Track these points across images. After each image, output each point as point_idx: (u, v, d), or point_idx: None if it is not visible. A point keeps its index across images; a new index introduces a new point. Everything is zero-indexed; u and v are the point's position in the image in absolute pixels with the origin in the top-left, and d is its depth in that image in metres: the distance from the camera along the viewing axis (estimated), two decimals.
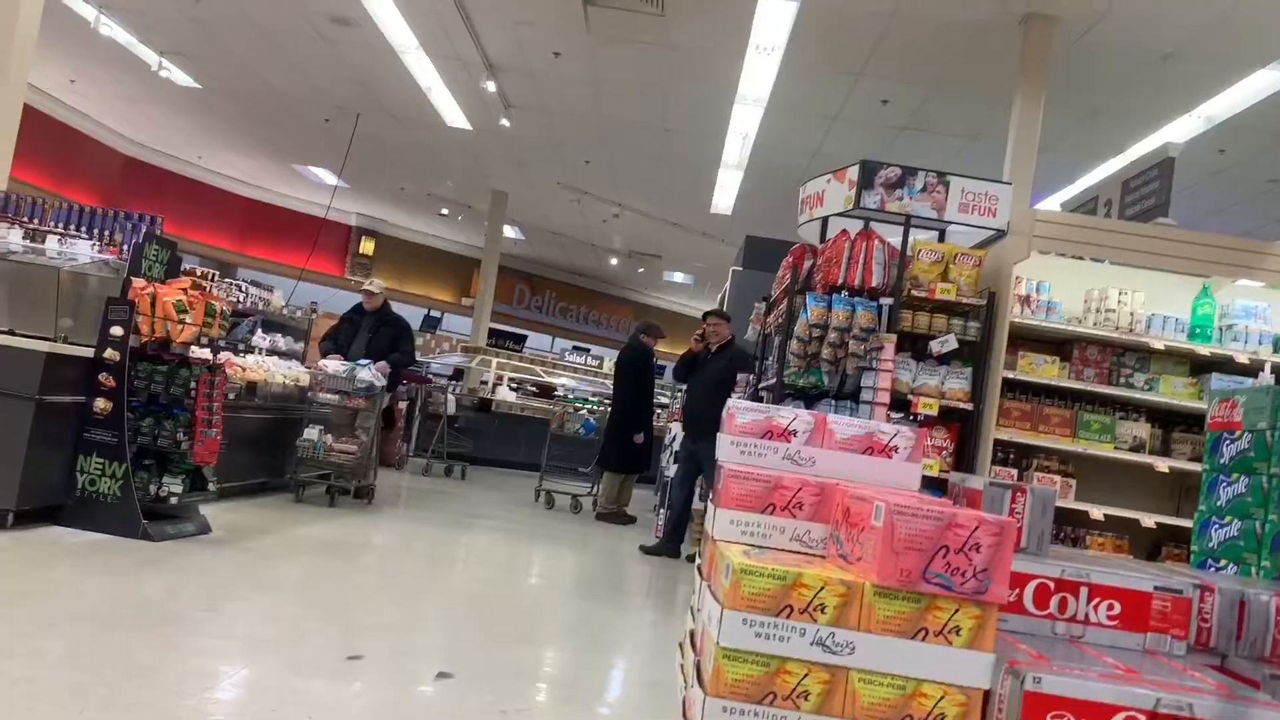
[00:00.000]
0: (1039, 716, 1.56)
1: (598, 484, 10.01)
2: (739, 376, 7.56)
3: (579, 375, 18.72)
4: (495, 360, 16.99)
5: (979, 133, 10.00)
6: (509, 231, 18.90)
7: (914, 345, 5.68)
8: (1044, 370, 5.75)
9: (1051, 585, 1.93)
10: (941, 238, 6.00)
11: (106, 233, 5.81)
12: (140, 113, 15.00)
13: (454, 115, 12.13)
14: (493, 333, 18.98)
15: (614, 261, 21.46)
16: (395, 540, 6.87)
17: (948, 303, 5.61)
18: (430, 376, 14.46)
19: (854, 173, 5.76)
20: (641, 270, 22.06)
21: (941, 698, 1.68)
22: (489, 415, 14.18)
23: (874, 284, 5.55)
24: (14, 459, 4.94)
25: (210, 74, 12.32)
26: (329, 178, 16.60)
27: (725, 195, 13.79)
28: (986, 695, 1.69)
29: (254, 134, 15.27)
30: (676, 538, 7.81)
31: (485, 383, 16.33)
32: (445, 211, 18.96)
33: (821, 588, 1.71)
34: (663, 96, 10.59)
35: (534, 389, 16.45)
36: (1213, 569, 3.06)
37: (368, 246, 20.99)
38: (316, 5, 9.38)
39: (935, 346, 5.64)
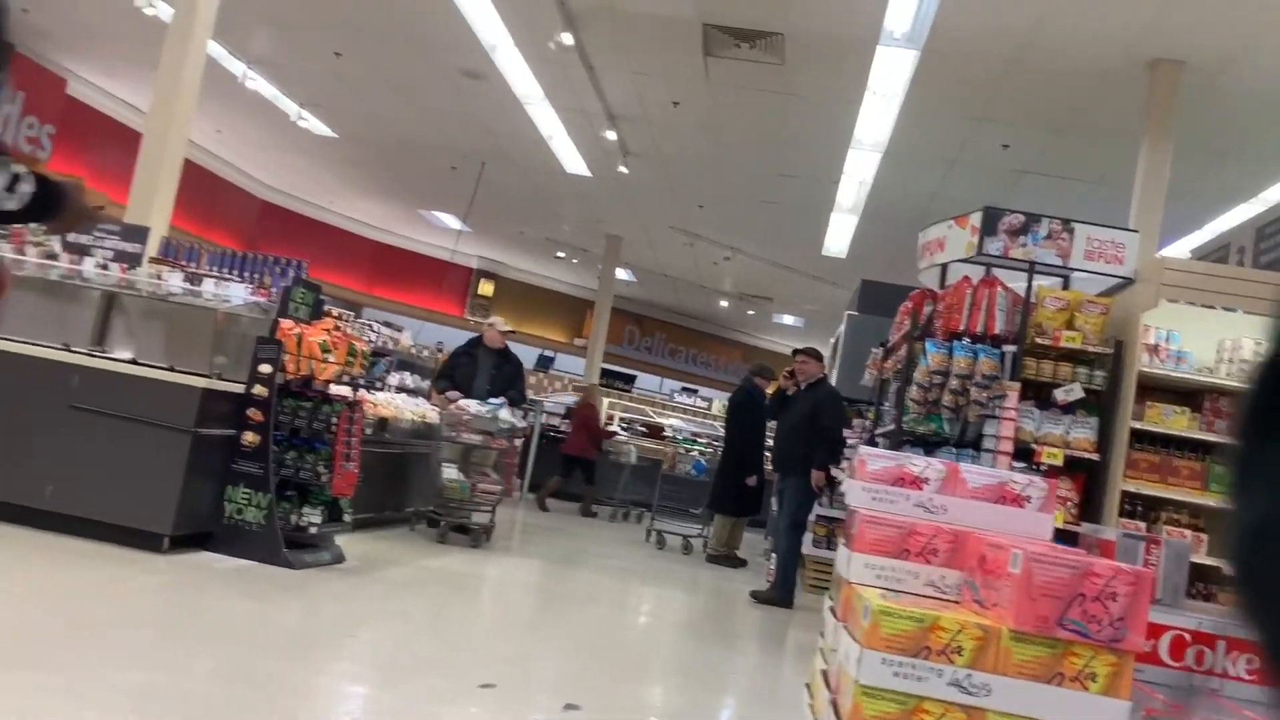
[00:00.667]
0: None
1: (708, 526, 10.06)
2: (857, 423, 7.54)
3: (688, 416, 18.85)
4: (606, 400, 17.23)
5: (1103, 177, 9.83)
6: (622, 274, 19.22)
7: (1038, 394, 5.63)
8: (1173, 421, 5.61)
9: (1188, 637, 1.95)
10: (1066, 285, 5.95)
11: (256, 276, 6.20)
12: (278, 161, 15.84)
13: (573, 162, 12.49)
14: (603, 373, 19.27)
15: (724, 304, 21.58)
16: (513, 575, 7.06)
17: (1073, 351, 5.55)
18: (608, 428, 14.28)
19: (976, 219, 5.77)
20: (751, 312, 22.12)
21: None
22: (599, 453, 14.37)
23: (996, 331, 5.54)
24: (171, 488, 5.29)
25: (345, 124, 12.97)
26: (453, 222, 17.20)
27: (839, 238, 13.80)
28: None
29: (383, 180, 15.96)
30: (788, 586, 7.47)
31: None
32: (561, 254, 19.40)
33: (959, 631, 1.77)
34: (778, 142, 10.72)
35: (643, 429, 16.62)
36: None
37: (487, 288, 21.58)
38: (450, 60, 9.83)
39: (1060, 395, 5.58)
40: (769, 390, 9.62)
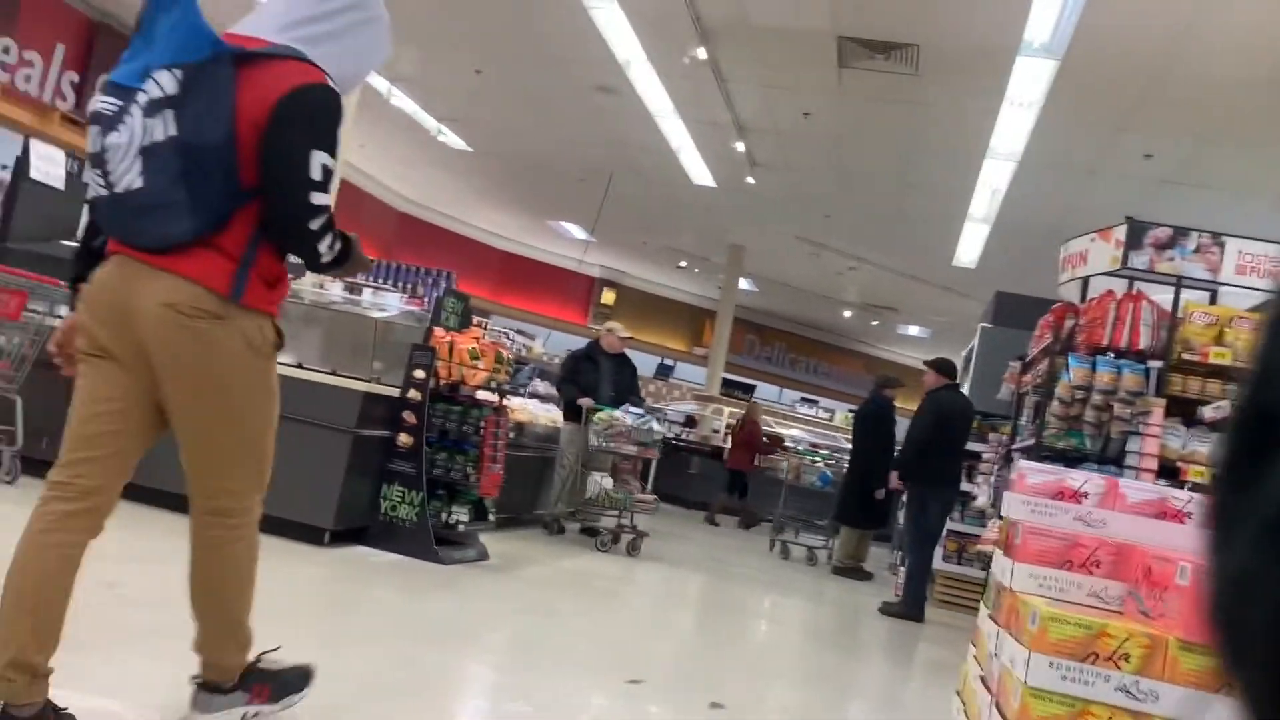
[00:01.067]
0: None
1: (834, 538, 10.07)
2: (991, 437, 7.46)
3: (808, 427, 18.78)
4: (727, 409, 17.33)
5: (1251, 187, 9.48)
6: (743, 283, 19.31)
7: (1184, 411, 5.51)
8: None
9: None
10: (1213, 299, 5.81)
11: (409, 285, 6.55)
12: (416, 173, 16.48)
13: (700, 174, 12.66)
14: (723, 382, 19.36)
15: (847, 314, 21.43)
16: (647, 578, 7.24)
17: (1222, 367, 5.42)
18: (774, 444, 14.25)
19: (1121, 232, 5.70)
20: (876, 323, 21.91)
21: None
22: (720, 462, 14.49)
23: (1141, 346, 5.46)
24: (333, 485, 5.64)
25: (481, 138, 13.44)
26: (578, 232, 17.58)
27: (970, 249, 13.60)
28: None
29: (514, 192, 16.44)
30: (919, 599, 7.39)
31: (717, 431, 16.67)
32: (684, 264, 19.60)
33: (1127, 639, 1.85)
34: (909, 151, 10.67)
35: (765, 440, 16.65)
36: None
37: (609, 297, 21.95)
38: (585, 75, 10.12)
39: (1208, 413, 5.45)
40: (896, 401, 9.59)
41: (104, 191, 2.15)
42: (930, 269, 15.55)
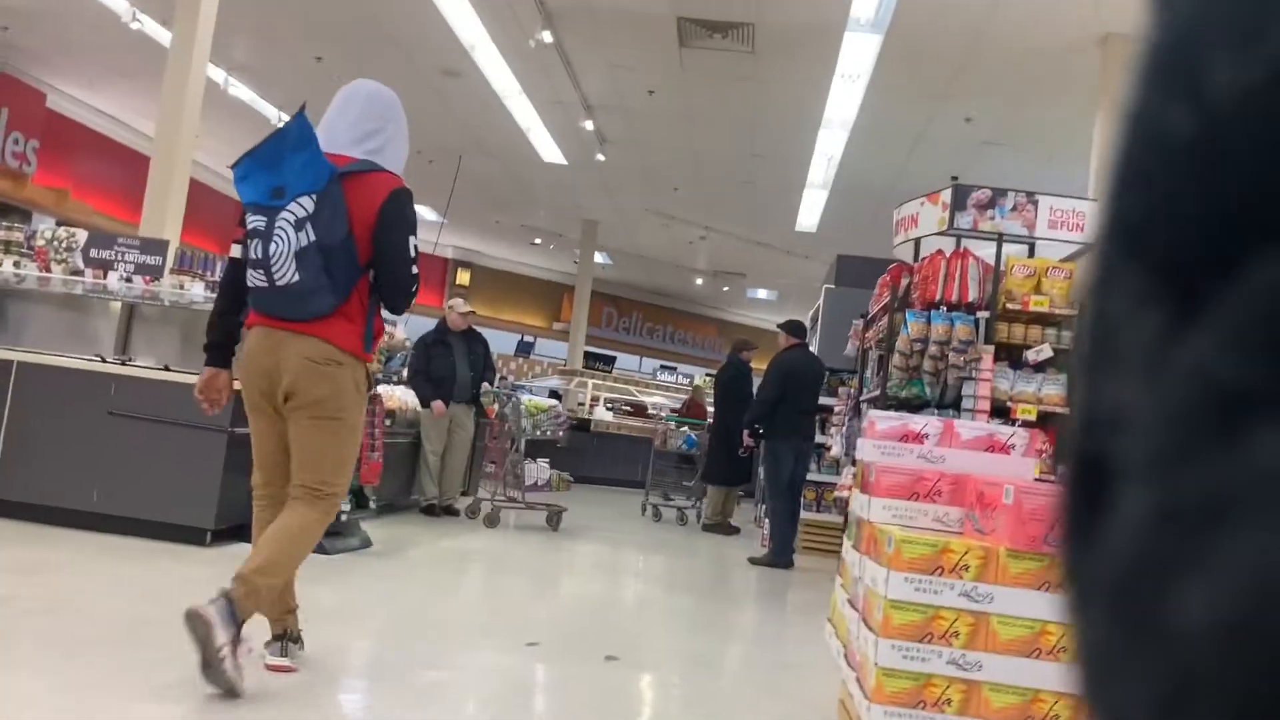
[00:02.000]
0: None
1: (701, 498, 10.51)
2: (841, 391, 7.97)
3: (670, 393, 19.29)
4: (591, 382, 17.64)
5: (1062, 146, 10.31)
6: (598, 257, 19.59)
7: (1010, 355, 6.08)
8: None
9: None
10: (1031, 253, 6.40)
11: None
12: None
13: (550, 152, 12.83)
14: (585, 355, 19.64)
15: (699, 281, 22.01)
16: (528, 550, 7.47)
17: (1042, 314, 6.00)
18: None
19: (947, 195, 6.21)
20: (726, 289, 22.58)
21: (1064, 635, 2.16)
22: (588, 435, 14.79)
23: (970, 299, 5.98)
24: (211, 485, 5.64)
25: None
26: (430, 215, 17.46)
27: (810, 214, 14.24)
28: None
29: None
30: (786, 547, 7.82)
31: (582, 404, 16.98)
32: (538, 241, 19.74)
33: (965, 552, 2.20)
34: (750, 125, 11.12)
35: (628, 408, 17.05)
36: None
37: (464, 277, 21.88)
38: (429, 60, 10.14)
39: (1031, 356, 6.03)
40: (753, 362, 10.07)
41: (265, 284, 3.00)
42: (775, 234, 16.18)
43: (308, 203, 2.99)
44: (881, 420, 2.80)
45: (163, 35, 9.48)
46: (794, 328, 8.38)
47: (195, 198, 16.37)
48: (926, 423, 2.77)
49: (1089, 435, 0.36)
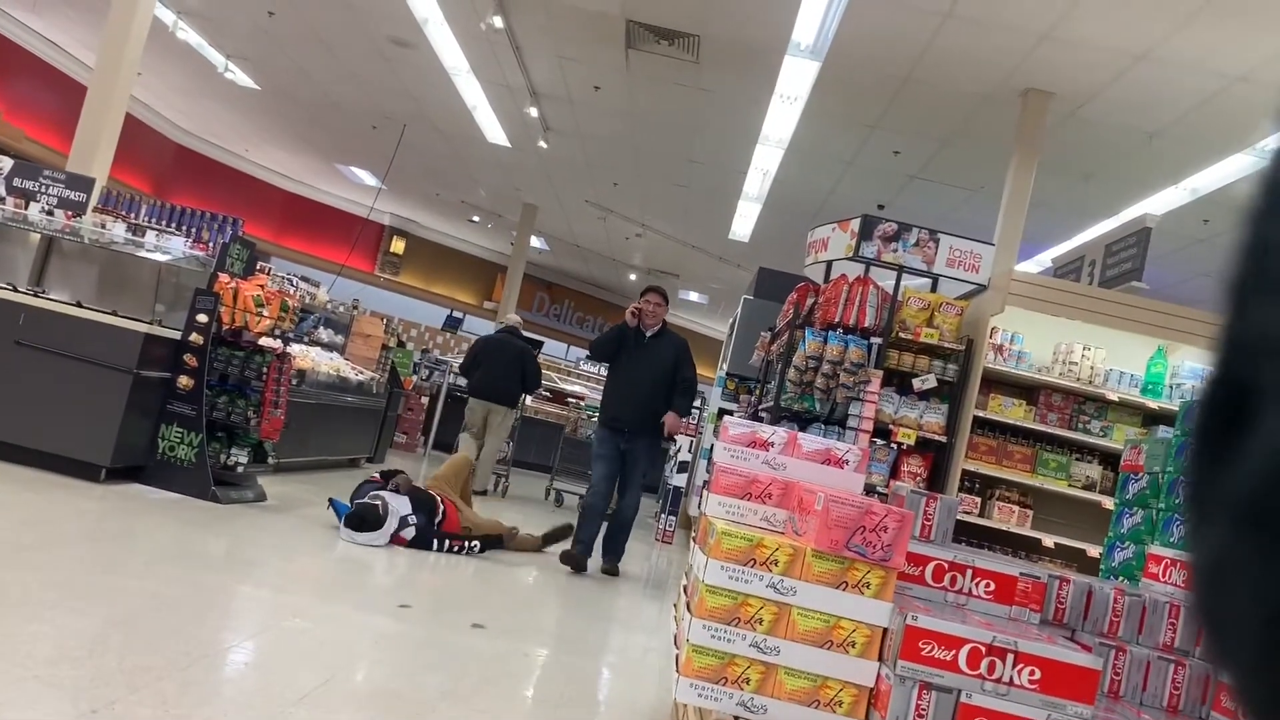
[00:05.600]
0: (914, 643, 2.31)
1: None
2: (742, 399, 8.26)
3: (590, 384, 19.50)
4: None
5: (983, 185, 10.74)
6: (535, 241, 19.69)
7: (898, 381, 6.43)
8: (1011, 412, 6.50)
9: (945, 566, 2.69)
10: (934, 287, 6.75)
11: (195, 230, 6.60)
12: (198, 107, 15.87)
13: (495, 133, 12.94)
14: None
15: (633, 277, 22.23)
16: None
17: (931, 346, 6.36)
18: None
19: (856, 224, 6.52)
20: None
21: (854, 630, 2.44)
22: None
23: (866, 324, 6.31)
24: (111, 423, 5.73)
25: (270, 78, 13.16)
26: (369, 179, 17.43)
27: (744, 224, 14.56)
28: (885, 631, 2.44)
29: (302, 134, 16.12)
30: (585, 549, 6.84)
31: None
32: (476, 219, 19.77)
33: (776, 549, 2.47)
34: (691, 131, 11.38)
35: (547, 394, 17.22)
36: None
37: (398, 246, 21.80)
38: (380, 27, 10.20)
39: (917, 384, 6.39)
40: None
41: None
42: (709, 240, 16.48)
43: None
44: (734, 426, 3.06)
45: None
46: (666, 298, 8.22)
47: (130, 134, 16.21)
48: (774, 432, 3.04)
49: (1237, 356, 0.36)
